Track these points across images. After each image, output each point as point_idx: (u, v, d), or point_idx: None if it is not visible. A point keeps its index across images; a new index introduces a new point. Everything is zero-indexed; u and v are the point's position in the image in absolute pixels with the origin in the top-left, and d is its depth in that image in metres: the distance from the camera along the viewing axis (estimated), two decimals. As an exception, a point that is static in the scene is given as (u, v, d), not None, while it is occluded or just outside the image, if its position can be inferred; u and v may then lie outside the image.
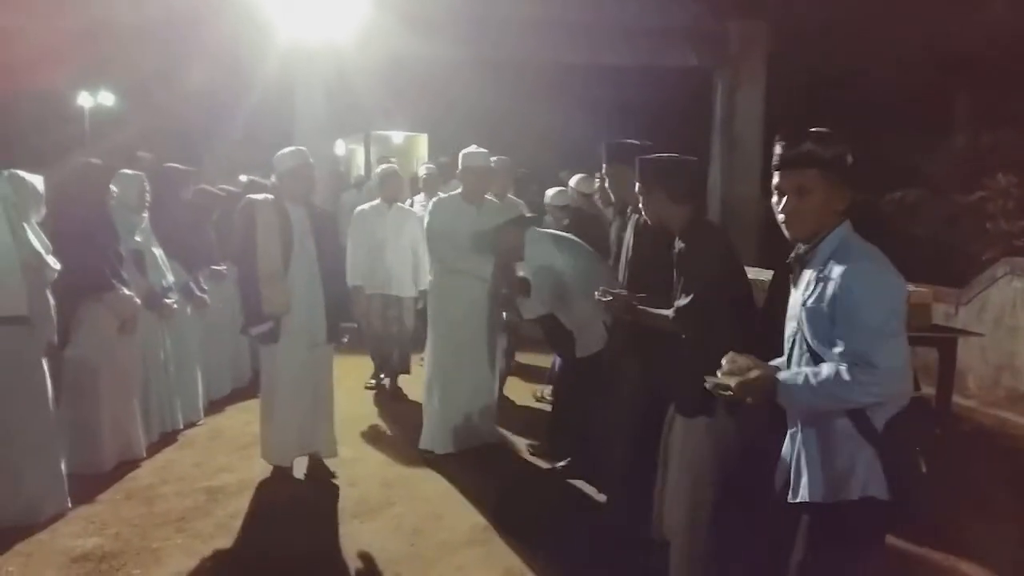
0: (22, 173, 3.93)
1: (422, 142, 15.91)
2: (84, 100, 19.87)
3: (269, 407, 4.57)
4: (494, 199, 5.40)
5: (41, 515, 3.91)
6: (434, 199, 5.56)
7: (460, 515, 4.25)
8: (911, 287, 5.15)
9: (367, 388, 6.65)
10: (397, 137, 16.62)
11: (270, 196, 4.56)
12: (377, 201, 6.37)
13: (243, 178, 10.00)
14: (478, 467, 4.89)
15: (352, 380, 6.60)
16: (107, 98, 20.23)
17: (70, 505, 4.08)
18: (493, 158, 5.38)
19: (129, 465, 4.72)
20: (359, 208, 6.39)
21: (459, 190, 5.29)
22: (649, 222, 3.33)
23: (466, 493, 4.51)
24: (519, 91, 11.65)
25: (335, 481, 4.63)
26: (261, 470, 4.68)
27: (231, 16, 8.36)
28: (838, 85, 9.35)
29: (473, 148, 5.15)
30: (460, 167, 5.23)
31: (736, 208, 9.83)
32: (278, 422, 4.54)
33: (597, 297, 3.51)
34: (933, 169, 8.82)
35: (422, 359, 5.57)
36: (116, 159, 6.79)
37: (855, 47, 9.23)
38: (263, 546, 3.90)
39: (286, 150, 4.57)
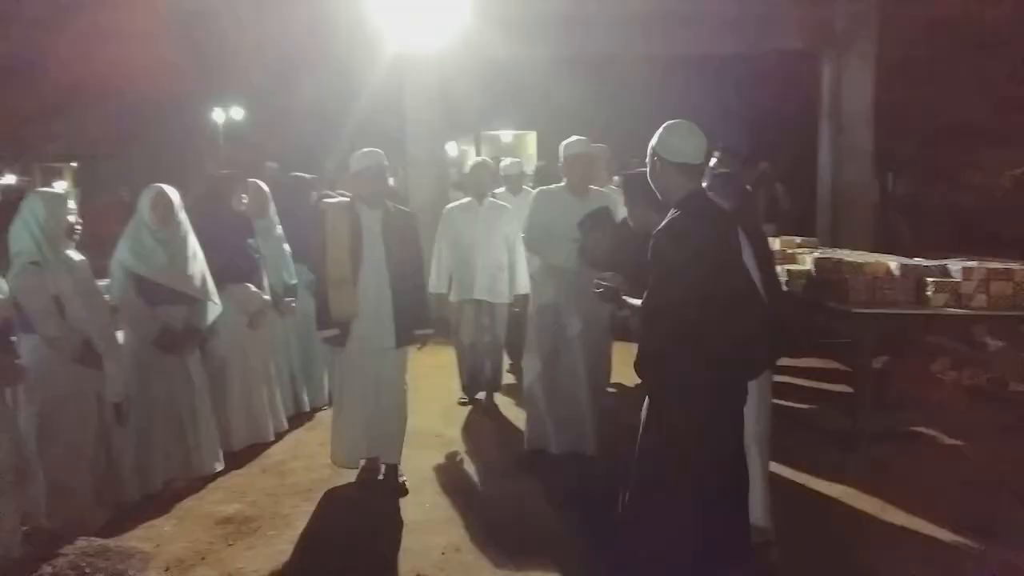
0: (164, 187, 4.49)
1: (531, 140, 16.23)
2: (217, 116, 21.43)
3: (338, 409, 4.61)
4: (600, 190, 5.07)
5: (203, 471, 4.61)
6: (537, 189, 5.18)
7: (539, 518, 4.25)
8: (1012, 265, 5.03)
9: (460, 404, 6.12)
10: (506, 136, 17.04)
11: (346, 199, 4.56)
12: (467, 199, 5.96)
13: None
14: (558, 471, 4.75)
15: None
16: (237, 113, 21.69)
17: (222, 467, 4.72)
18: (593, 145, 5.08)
19: (263, 445, 5.25)
20: (447, 207, 6.02)
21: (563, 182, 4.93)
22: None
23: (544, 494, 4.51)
24: (625, 85, 11.76)
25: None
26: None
27: (343, 31, 8.94)
28: (954, 62, 9.00)
29: (574, 137, 4.86)
30: (562, 157, 4.91)
31: (847, 193, 9.61)
32: (343, 425, 4.54)
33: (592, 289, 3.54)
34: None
35: (510, 366, 5.22)
36: (246, 169, 7.45)
37: (972, 23, 8.86)
38: (378, 513, 4.29)
39: (361, 151, 4.48)
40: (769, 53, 9.89)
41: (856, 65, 9.49)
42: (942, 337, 7.08)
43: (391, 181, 9.63)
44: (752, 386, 3.32)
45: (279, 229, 5.78)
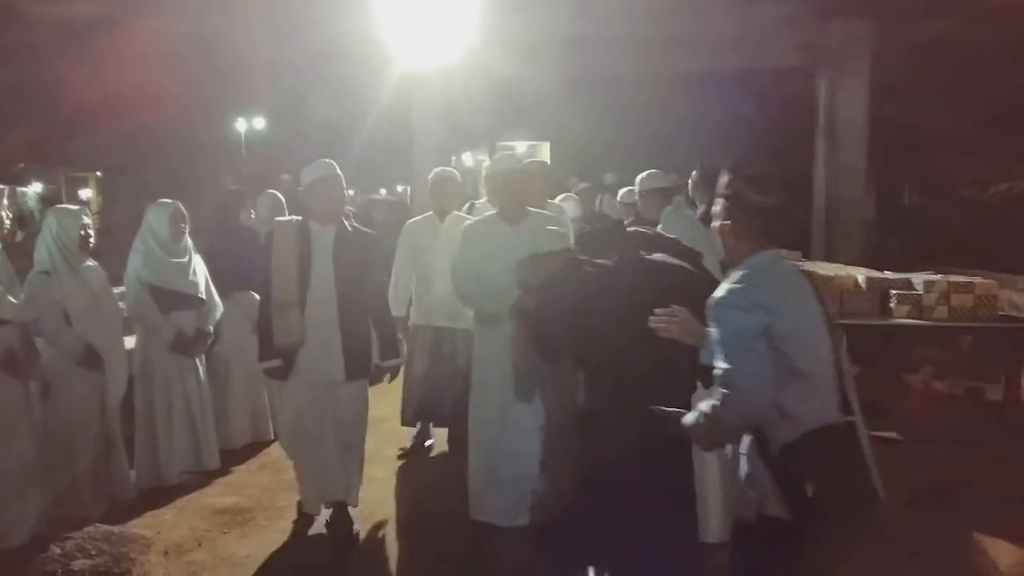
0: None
1: (544, 150, 16.51)
2: (240, 126, 22.06)
3: (291, 451, 4.29)
4: (539, 212, 4.23)
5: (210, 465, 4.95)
6: (465, 224, 4.39)
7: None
8: (976, 278, 5.25)
9: (399, 458, 5.39)
10: (520, 146, 17.32)
11: (296, 218, 4.16)
12: (429, 213, 5.27)
13: (382, 192, 11.00)
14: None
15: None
16: (259, 122, 22.31)
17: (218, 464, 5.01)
18: (527, 160, 4.55)
19: (264, 443, 5.59)
20: (407, 223, 5.38)
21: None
22: None
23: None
24: (630, 102, 12.06)
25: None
26: (373, 444, 4.94)
27: (353, 48, 9.35)
28: (946, 82, 9.22)
29: (504, 152, 4.29)
30: (485, 176, 4.24)
31: (841, 208, 9.83)
32: (304, 468, 4.21)
33: None
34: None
35: None
36: (263, 180, 7.88)
37: (961, 44, 9.07)
38: (366, 509, 4.54)
39: (313, 163, 4.08)
40: (767, 71, 10.16)
41: (851, 84, 9.72)
42: (928, 347, 7.30)
43: (399, 190, 9.99)
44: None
45: None
